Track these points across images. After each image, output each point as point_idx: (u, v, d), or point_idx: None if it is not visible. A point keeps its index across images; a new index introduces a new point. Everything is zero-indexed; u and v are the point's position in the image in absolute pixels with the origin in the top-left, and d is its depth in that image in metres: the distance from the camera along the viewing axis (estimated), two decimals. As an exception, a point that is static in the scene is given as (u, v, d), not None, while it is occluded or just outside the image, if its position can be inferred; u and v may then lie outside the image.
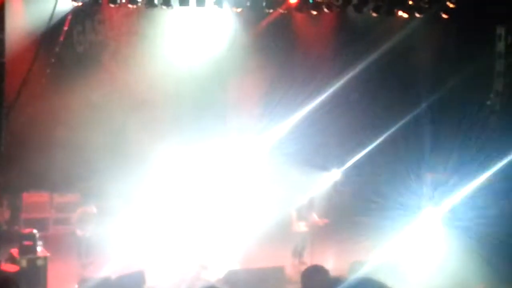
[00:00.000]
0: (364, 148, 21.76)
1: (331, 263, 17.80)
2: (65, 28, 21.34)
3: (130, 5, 20.60)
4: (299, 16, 22.55)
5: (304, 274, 7.92)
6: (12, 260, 16.99)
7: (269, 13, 21.89)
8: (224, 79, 22.75)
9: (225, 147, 21.85)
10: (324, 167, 22.42)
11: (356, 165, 22.44)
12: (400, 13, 21.56)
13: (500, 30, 19.82)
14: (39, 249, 17.39)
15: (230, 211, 19.63)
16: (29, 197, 20.64)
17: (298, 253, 18.99)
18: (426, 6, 21.29)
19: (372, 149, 21.96)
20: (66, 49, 21.66)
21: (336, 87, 22.06)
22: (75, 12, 21.23)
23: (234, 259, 18.58)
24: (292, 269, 18.56)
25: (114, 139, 21.96)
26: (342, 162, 22.43)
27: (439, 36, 22.12)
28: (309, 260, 18.48)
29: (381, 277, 7.24)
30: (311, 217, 19.08)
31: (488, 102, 19.98)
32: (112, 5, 20.38)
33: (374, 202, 19.56)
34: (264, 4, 21.12)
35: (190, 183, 21.70)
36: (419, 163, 21.48)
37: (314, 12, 21.60)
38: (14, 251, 17.10)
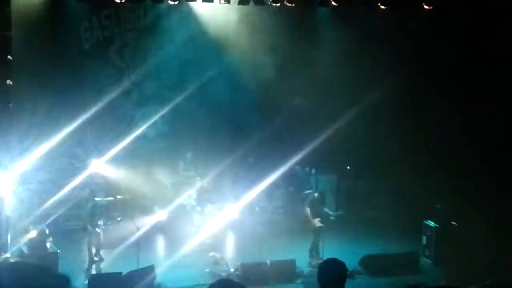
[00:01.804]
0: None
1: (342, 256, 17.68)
2: (72, 24, 21.31)
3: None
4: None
5: (322, 267, 7.84)
6: (23, 256, 16.93)
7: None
8: (234, 75, 22.66)
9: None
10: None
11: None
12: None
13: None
14: (49, 245, 17.37)
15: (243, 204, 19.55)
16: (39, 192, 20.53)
17: (314, 249, 18.90)
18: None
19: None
20: (73, 46, 21.59)
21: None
22: (82, 8, 21.19)
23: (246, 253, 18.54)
24: (308, 263, 18.61)
25: (121, 135, 21.98)
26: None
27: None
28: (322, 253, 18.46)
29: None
30: (323, 212, 19.04)
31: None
32: (118, 1, 20.26)
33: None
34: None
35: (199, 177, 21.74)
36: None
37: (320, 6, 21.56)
38: (25, 247, 17.05)
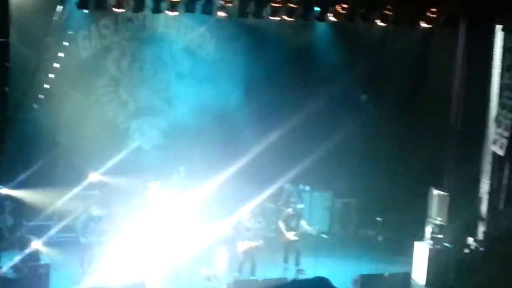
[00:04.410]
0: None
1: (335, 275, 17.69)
2: (70, 33, 21.24)
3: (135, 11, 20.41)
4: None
5: (308, 285, 7.81)
6: (15, 267, 16.89)
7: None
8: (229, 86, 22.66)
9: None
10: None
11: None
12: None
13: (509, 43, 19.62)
14: (41, 256, 17.33)
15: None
16: (31, 204, 20.54)
17: (294, 261, 19.54)
18: (433, 16, 21.12)
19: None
20: (71, 54, 21.54)
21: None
22: (80, 17, 21.13)
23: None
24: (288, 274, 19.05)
25: (115, 145, 21.97)
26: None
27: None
28: (308, 269, 18.61)
29: None
30: (300, 226, 19.64)
31: (495, 116, 19.81)
32: (117, 10, 20.21)
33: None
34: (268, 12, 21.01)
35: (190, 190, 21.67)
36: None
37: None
38: (17, 258, 16.99)
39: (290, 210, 19.72)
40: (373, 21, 21.38)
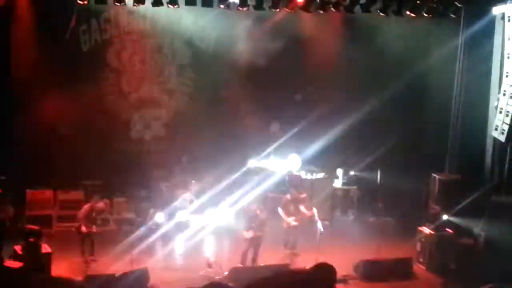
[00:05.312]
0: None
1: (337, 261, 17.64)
2: (71, 26, 21.31)
3: (136, 4, 20.44)
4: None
5: (312, 269, 7.85)
6: (16, 257, 16.89)
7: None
8: (230, 79, 22.75)
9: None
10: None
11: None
12: (408, 13, 21.47)
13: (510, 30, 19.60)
14: (42, 246, 17.33)
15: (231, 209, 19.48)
16: (33, 194, 20.62)
17: (290, 246, 19.45)
18: (434, 6, 21.19)
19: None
20: (71, 48, 21.63)
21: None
22: (81, 11, 21.20)
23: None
24: (286, 260, 18.91)
25: (118, 137, 22.05)
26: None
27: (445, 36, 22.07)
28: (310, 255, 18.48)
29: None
30: (299, 211, 19.48)
31: (496, 103, 19.80)
32: (117, 4, 20.28)
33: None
34: (269, 3, 21.10)
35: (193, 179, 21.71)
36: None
37: (321, 12, 21.55)
38: (18, 248, 16.99)
39: (288, 196, 19.62)
40: (373, 12, 21.48)
